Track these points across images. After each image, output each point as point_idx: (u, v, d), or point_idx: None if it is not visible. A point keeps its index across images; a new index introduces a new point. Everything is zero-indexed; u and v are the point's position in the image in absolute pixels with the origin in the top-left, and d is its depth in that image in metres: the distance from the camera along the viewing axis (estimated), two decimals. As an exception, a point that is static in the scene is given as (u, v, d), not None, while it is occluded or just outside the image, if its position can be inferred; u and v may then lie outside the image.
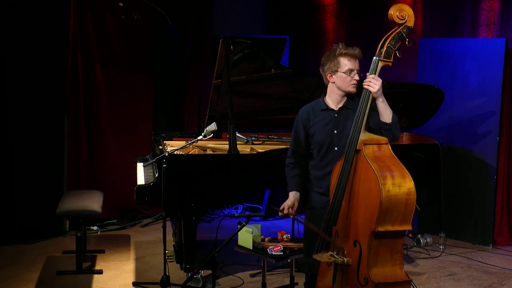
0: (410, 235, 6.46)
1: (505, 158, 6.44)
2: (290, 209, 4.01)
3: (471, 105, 6.53)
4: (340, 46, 3.94)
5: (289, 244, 4.74)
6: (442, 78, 6.64)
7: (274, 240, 4.85)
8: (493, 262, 5.99)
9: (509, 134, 6.43)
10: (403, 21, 3.72)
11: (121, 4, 6.82)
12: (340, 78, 3.93)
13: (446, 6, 6.87)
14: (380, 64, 3.71)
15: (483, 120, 6.46)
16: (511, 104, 6.41)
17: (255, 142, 5.92)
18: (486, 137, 6.44)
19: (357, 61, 3.92)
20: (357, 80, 3.92)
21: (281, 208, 4.03)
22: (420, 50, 6.81)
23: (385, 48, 3.70)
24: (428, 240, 6.42)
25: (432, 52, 6.76)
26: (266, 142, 5.96)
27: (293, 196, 4.06)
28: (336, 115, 3.97)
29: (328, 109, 3.99)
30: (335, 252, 3.69)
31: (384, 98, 3.73)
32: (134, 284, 5.26)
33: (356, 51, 3.91)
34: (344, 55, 3.91)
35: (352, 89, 3.94)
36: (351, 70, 3.90)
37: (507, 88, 6.37)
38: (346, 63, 3.90)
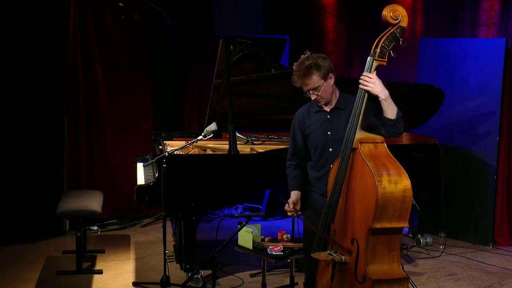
0: (410, 235, 6.46)
1: (505, 158, 6.44)
2: (294, 207, 4.04)
3: (471, 105, 6.53)
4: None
5: (289, 244, 4.74)
6: (442, 78, 6.64)
7: (274, 240, 4.85)
8: (493, 262, 5.99)
9: (509, 134, 6.44)
10: (396, 21, 3.74)
11: (121, 4, 6.82)
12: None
13: (446, 6, 6.87)
14: (375, 64, 3.74)
15: (483, 120, 6.46)
16: (511, 104, 6.41)
17: (255, 142, 5.92)
18: (486, 137, 6.44)
19: (304, 81, 3.88)
20: (315, 98, 3.92)
21: (285, 206, 4.05)
22: (420, 50, 6.81)
23: (379, 48, 3.72)
24: (428, 240, 6.42)
25: (432, 52, 6.76)
26: (266, 142, 5.96)
27: (294, 195, 4.10)
28: (328, 116, 3.98)
29: (321, 110, 4.01)
30: (333, 251, 3.71)
31: (385, 95, 3.72)
32: (134, 284, 5.26)
33: (295, 76, 3.89)
34: (293, 82, 3.92)
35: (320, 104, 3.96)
36: (305, 92, 3.93)
37: (507, 88, 6.37)
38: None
